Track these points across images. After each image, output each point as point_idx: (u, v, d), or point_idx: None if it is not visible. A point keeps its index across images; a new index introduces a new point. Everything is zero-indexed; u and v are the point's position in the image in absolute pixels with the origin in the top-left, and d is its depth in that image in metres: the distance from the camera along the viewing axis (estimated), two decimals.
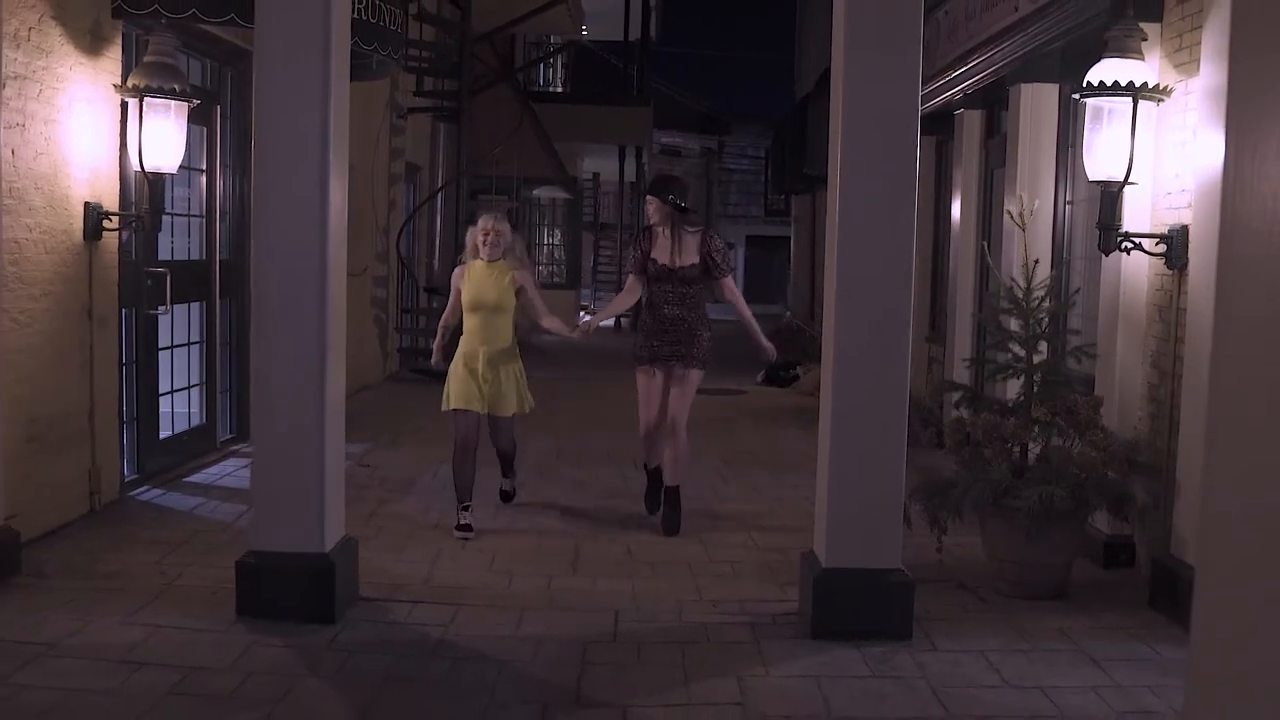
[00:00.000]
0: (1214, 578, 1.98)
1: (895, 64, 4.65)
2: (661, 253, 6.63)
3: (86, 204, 6.24)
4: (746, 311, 6.81)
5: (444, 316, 6.95)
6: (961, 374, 8.38)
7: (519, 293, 6.61)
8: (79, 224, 6.19)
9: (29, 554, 5.45)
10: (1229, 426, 1.93)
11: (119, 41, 6.58)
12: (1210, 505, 2.01)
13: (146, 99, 6.09)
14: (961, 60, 8.97)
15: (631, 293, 6.89)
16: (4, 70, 5.31)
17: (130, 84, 6.17)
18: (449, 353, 6.82)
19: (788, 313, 22.30)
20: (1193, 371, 5.11)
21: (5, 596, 4.98)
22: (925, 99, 9.99)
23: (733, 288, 6.84)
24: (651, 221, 6.75)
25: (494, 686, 4.20)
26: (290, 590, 4.81)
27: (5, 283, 5.40)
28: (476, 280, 6.57)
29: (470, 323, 6.58)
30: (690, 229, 6.69)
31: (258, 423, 4.91)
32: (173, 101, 6.21)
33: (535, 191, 21.16)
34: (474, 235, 6.68)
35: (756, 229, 35.40)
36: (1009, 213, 6.46)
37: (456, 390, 6.50)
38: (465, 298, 6.59)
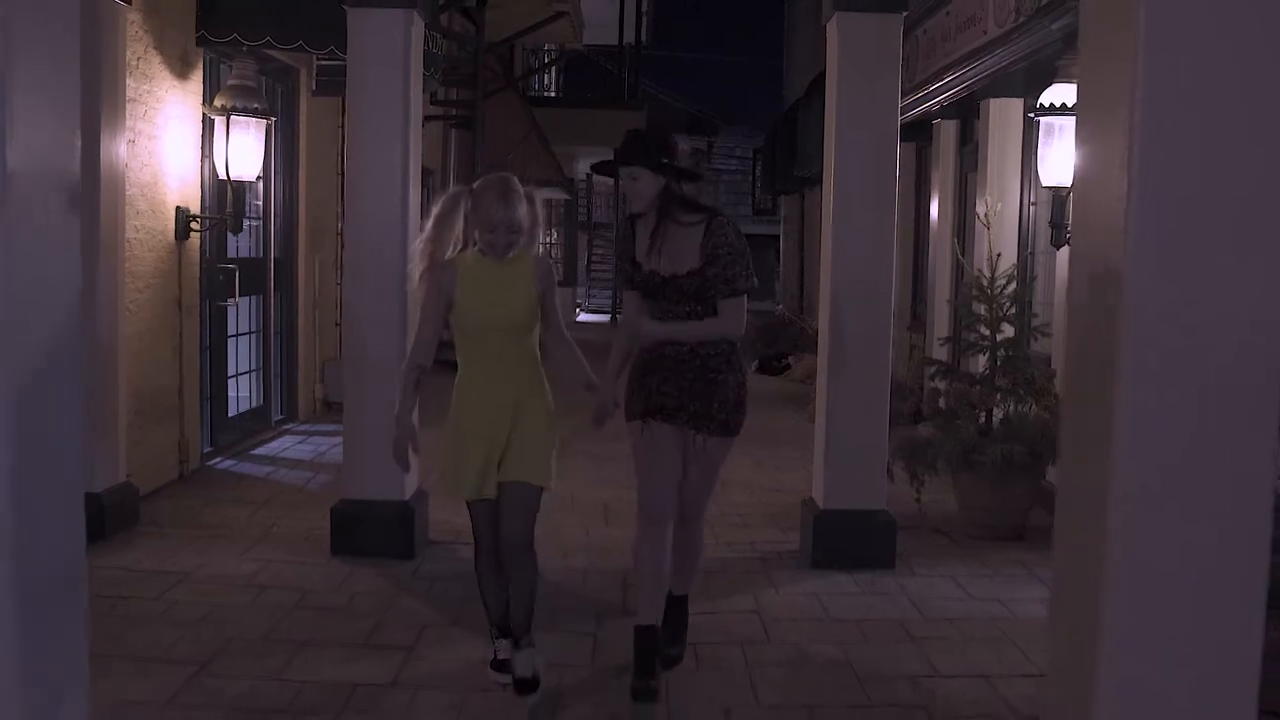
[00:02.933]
0: (1068, 514, 2.83)
1: (875, 100, 5.64)
2: (645, 254, 4.23)
3: (177, 208, 7.18)
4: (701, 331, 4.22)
5: (411, 357, 4.23)
6: (939, 355, 9.38)
7: (541, 300, 4.14)
8: (171, 226, 7.13)
9: (143, 508, 6.41)
10: (1073, 401, 2.78)
11: (201, 66, 7.52)
12: (1065, 462, 2.82)
13: (232, 116, 7.04)
14: (938, 75, 9.95)
15: (631, 321, 4.37)
16: (124, 95, 6.26)
17: (217, 103, 7.12)
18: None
19: (779, 306, 23.26)
20: None
21: (135, 540, 5.93)
22: (907, 109, 11.03)
23: (737, 317, 4.19)
24: (634, 209, 4.28)
25: (554, 603, 5.16)
26: (377, 531, 5.76)
27: (122, 278, 6.34)
28: (482, 286, 4.07)
29: (478, 357, 4.11)
30: (687, 217, 4.18)
31: (350, 394, 5.86)
32: (252, 119, 7.16)
33: (538, 192, 22.09)
34: (472, 214, 4.10)
35: (745, 227, 35.96)
36: (977, 213, 7.46)
37: (463, 469, 4.08)
38: (466, 316, 4.08)
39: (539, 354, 4.18)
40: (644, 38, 26.70)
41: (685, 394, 4.20)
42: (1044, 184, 6.62)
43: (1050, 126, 6.44)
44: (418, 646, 4.61)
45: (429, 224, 4.14)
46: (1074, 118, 6.28)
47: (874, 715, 4.05)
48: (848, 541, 5.76)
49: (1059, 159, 6.38)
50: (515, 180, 4.09)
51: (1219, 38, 2.26)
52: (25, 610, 2.15)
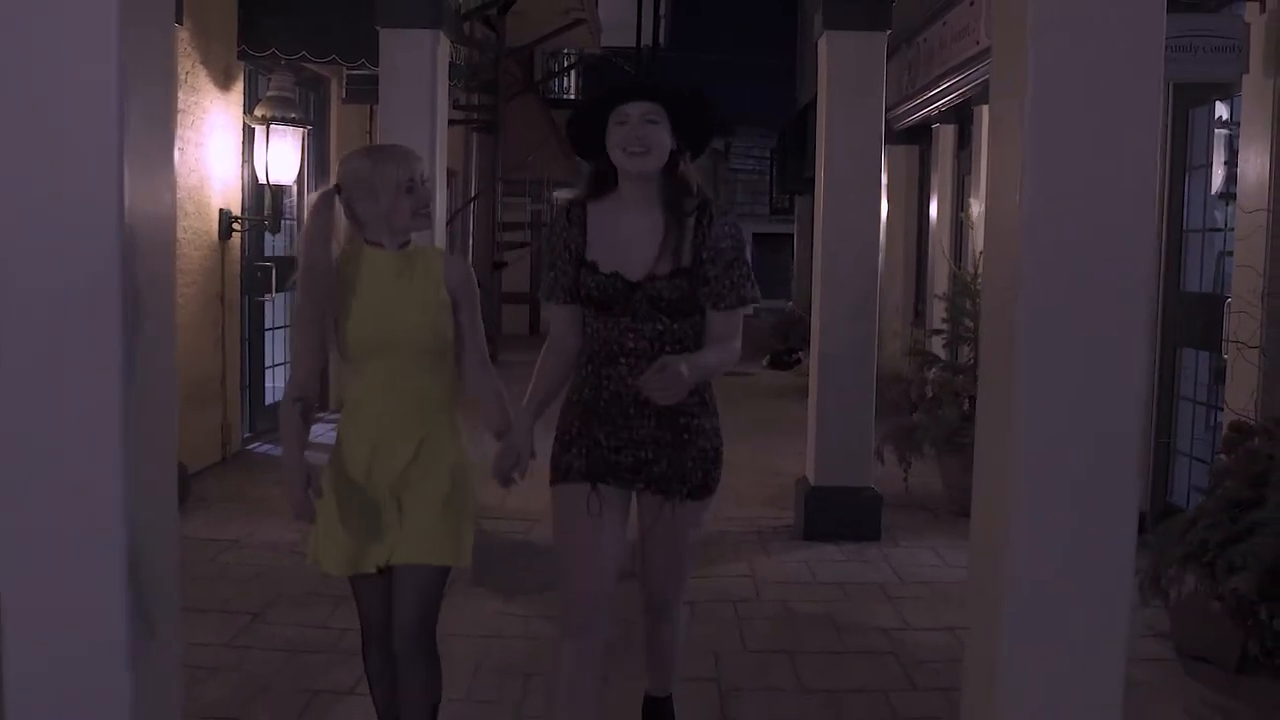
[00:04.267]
0: (982, 485, 3.36)
1: (862, 111, 6.17)
2: (604, 250, 3.08)
3: (220, 210, 7.76)
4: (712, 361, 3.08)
5: (288, 387, 3.15)
6: (936, 348, 9.90)
7: (455, 310, 3.13)
8: (215, 226, 7.71)
9: (191, 485, 6.98)
10: (986, 385, 3.27)
11: (242, 78, 8.09)
12: (980, 435, 3.34)
13: (271, 126, 7.62)
14: (937, 82, 10.46)
15: (559, 352, 3.20)
16: (175, 107, 6.83)
17: (258, 113, 7.70)
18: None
19: (790, 304, 23.78)
20: None
21: (188, 513, 6.51)
22: (908, 114, 11.59)
23: (737, 337, 3.13)
24: (636, 167, 2.99)
25: None
26: None
27: (175, 275, 6.91)
28: (367, 290, 3.05)
29: (363, 389, 3.11)
30: (685, 202, 3.06)
31: None
32: (289, 128, 7.73)
33: (555, 193, 22.69)
34: (354, 187, 3.04)
35: (763, 227, 36.88)
36: (962, 214, 7.98)
37: (333, 536, 3.12)
38: (345, 331, 3.05)
39: (452, 386, 3.14)
40: (661, 40, 27.25)
41: (648, 448, 3.06)
42: None
43: None
44: (445, 600, 5.16)
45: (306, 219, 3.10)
46: None
47: (848, 659, 4.57)
48: (837, 515, 6.28)
49: None
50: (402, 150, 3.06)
51: (1085, 81, 2.78)
52: (132, 562, 2.69)
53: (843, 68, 6.13)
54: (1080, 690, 2.84)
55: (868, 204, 6.21)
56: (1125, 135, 2.68)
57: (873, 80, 6.12)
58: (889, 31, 6.16)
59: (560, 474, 3.18)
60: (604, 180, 3.10)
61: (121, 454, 2.59)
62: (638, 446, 3.08)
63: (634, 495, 3.17)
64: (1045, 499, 2.85)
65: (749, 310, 3.08)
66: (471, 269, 3.19)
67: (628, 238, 3.03)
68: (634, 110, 2.96)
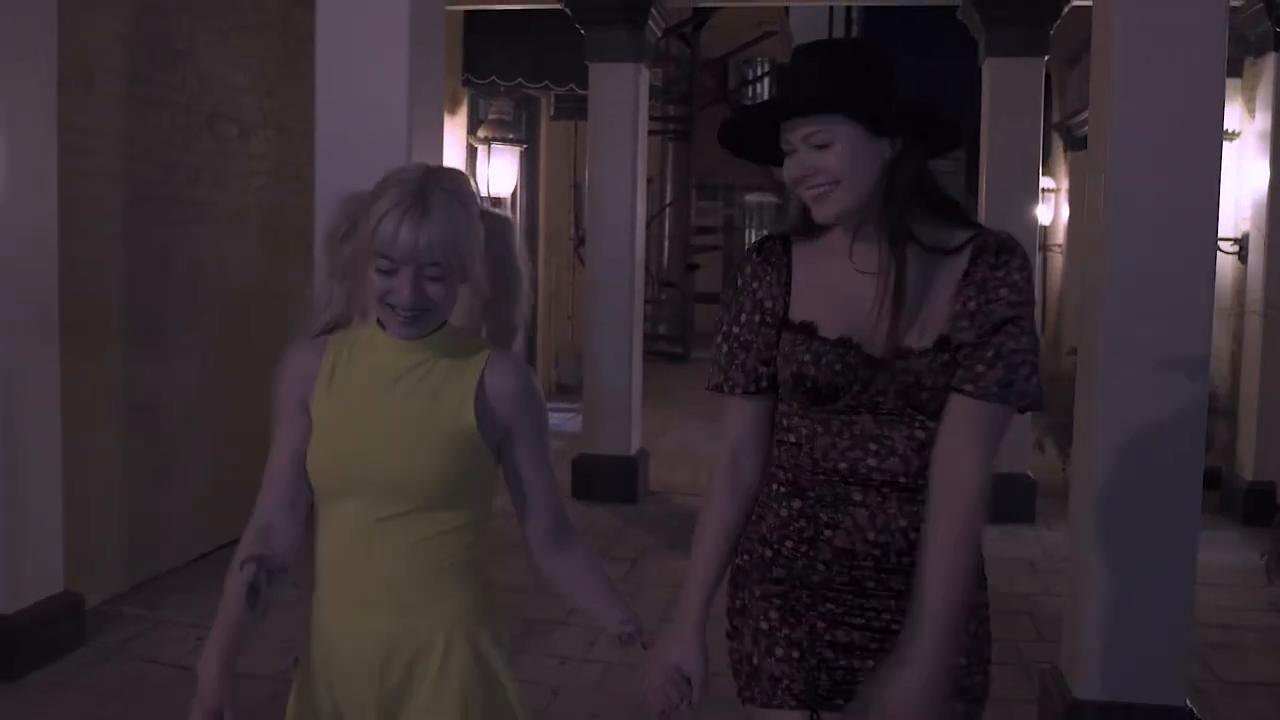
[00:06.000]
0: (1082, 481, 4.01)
1: (1020, 132, 6.77)
2: (827, 305, 1.91)
3: None
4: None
5: (251, 522, 1.94)
6: None
7: (502, 450, 1.94)
8: None
9: None
10: (1106, 384, 3.95)
11: (465, 102, 9.15)
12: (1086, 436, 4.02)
13: (492, 144, 8.65)
14: None
15: (741, 488, 2.02)
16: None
17: (481, 134, 8.75)
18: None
19: None
20: (1250, 342, 7.02)
21: None
22: (1081, 124, 11.89)
23: (976, 442, 1.82)
24: (820, 214, 1.88)
25: None
26: (608, 480, 7.21)
27: None
28: (361, 387, 1.91)
29: (341, 551, 1.93)
30: (938, 233, 1.88)
31: (589, 371, 7.34)
32: (507, 146, 8.75)
33: (747, 197, 23.48)
34: (359, 241, 1.86)
35: None
36: None
37: None
38: (315, 447, 1.91)
39: (482, 556, 1.99)
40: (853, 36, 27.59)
41: (886, 642, 1.89)
42: None
43: None
44: (640, 560, 6.02)
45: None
46: None
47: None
48: (994, 499, 6.87)
49: None
50: (448, 175, 1.87)
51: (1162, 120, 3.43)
52: None
53: (1003, 92, 6.74)
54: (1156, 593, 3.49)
55: (1026, 225, 6.78)
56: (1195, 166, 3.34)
57: (1031, 103, 6.71)
58: (1046, 57, 6.72)
59: (754, 689, 1.98)
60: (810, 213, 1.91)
61: None
62: (881, 637, 1.90)
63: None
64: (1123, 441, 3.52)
65: (1014, 410, 1.81)
66: (532, 376, 1.94)
67: (858, 290, 1.86)
68: (796, 134, 1.85)
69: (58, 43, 4.28)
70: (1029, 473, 6.96)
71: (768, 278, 1.96)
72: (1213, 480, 7.80)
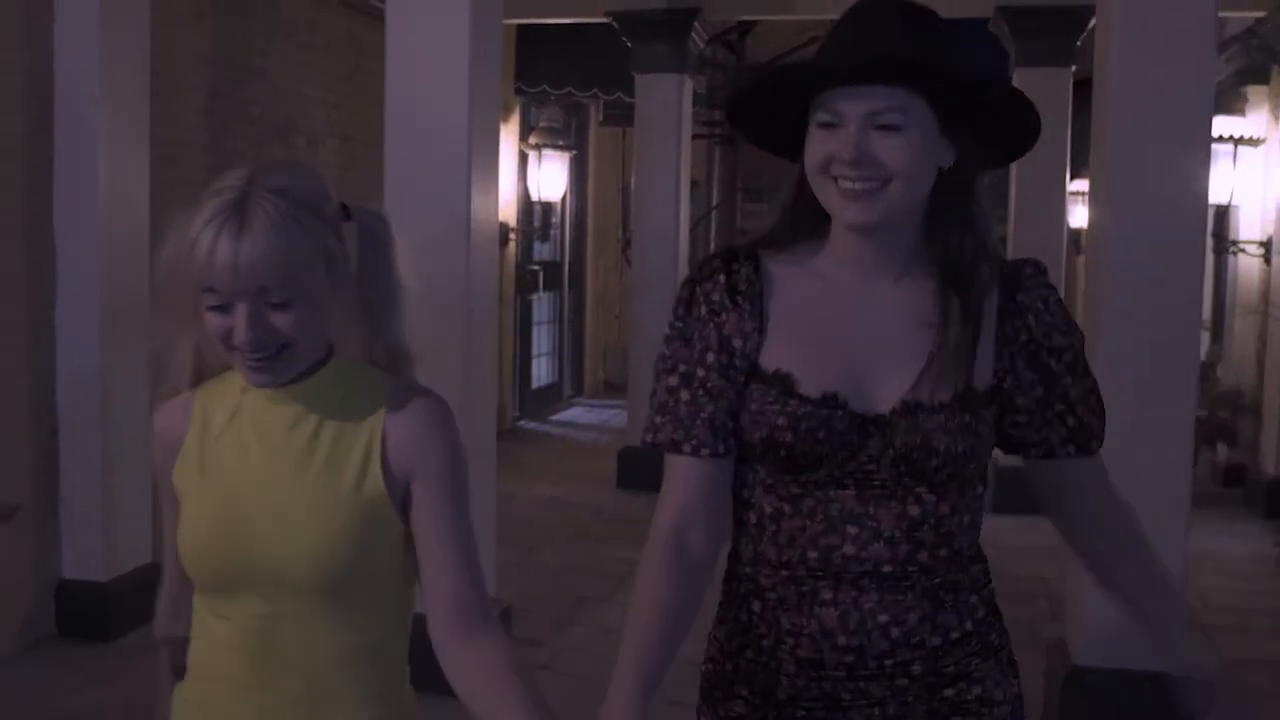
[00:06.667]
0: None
1: (1048, 142, 7.04)
2: (811, 349, 1.52)
3: (500, 222, 9.23)
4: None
5: (163, 599, 1.65)
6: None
7: (410, 513, 1.49)
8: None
9: None
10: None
11: (517, 109, 9.55)
12: None
13: (544, 151, 9.04)
14: None
15: (687, 568, 1.54)
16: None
17: (531, 141, 9.14)
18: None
19: None
20: (1275, 343, 7.27)
21: None
22: None
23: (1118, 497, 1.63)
24: (852, 218, 1.48)
25: None
26: (649, 471, 7.51)
27: None
28: (235, 456, 1.51)
29: (210, 635, 1.52)
30: (962, 262, 1.51)
31: (634, 368, 7.70)
32: (557, 153, 9.14)
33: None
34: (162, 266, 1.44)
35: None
36: None
37: None
38: (184, 531, 1.51)
39: (400, 654, 1.58)
40: None
41: None
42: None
43: (1214, 153, 7.64)
44: None
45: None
46: (1230, 145, 7.52)
47: (1004, 600, 5.53)
48: (1016, 490, 7.15)
49: (1219, 181, 7.57)
50: (280, 172, 1.43)
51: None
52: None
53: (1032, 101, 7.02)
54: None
55: (1054, 234, 7.05)
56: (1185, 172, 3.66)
57: (1059, 112, 6.97)
58: (1074, 67, 6.99)
59: None
60: (800, 219, 1.57)
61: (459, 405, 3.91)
62: None
63: None
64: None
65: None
66: (444, 412, 1.53)
67: (854, 328, 1.54)
68: (855, 106, 1.45)
69: (150, 65, 4.71)
70: None
71: (736, 308, 1.54)
72: (1238, 476, 8.06)
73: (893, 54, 1.43)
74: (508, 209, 9.41)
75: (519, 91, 9.42)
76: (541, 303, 10.67)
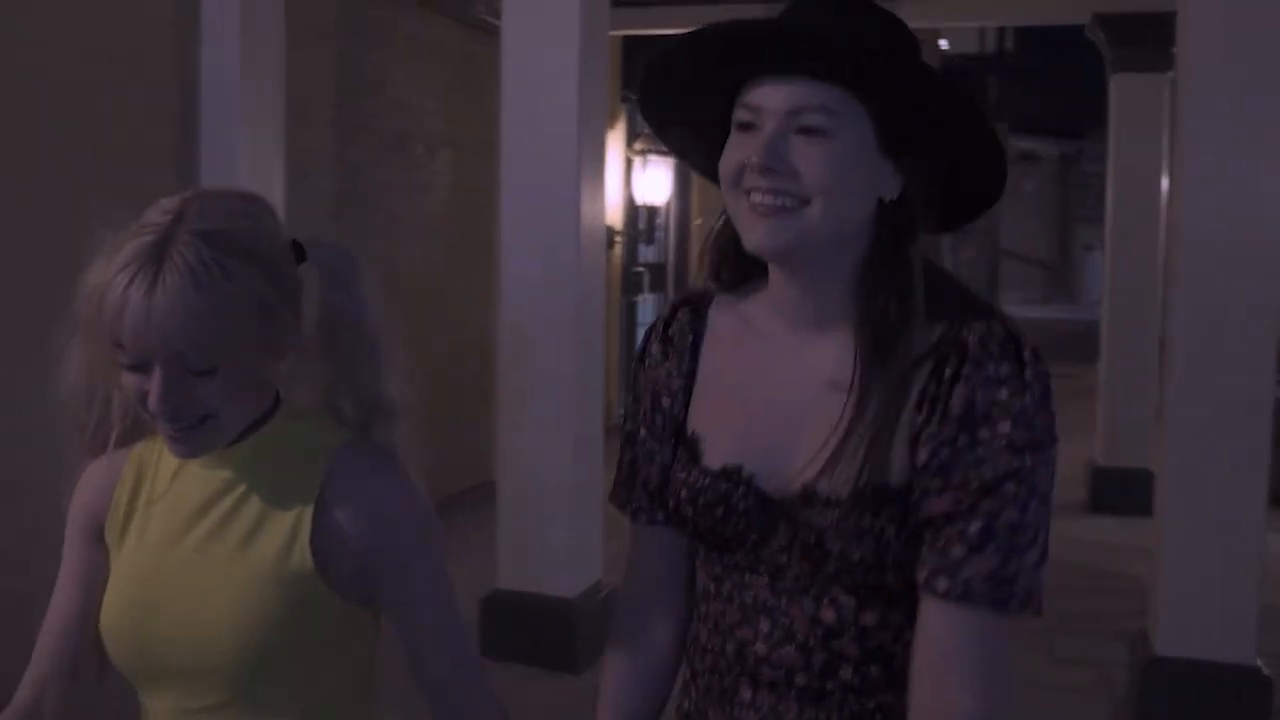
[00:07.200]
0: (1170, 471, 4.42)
1: (1145, 144, 7.14)
2: (724, 411, 1.32)
3: (606, 226, 9.55)
4: None
5: (25, 684, 1.35)
6: None
7: (373, 596, 1.33)
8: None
9: None
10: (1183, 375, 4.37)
11: (623, 117, 9.85)
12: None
13: (648, 157, 9.33)
14: None
15: (644, 647, 1.42)
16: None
17: (637, 147, 9.43)
18: None
19: None
20: None
21: None
22: None
23: (967, 663, 1.13)
24: (761, 244, 1.22)
25: None
26: None
27: None
28: (154, 530, 1.33)
29: None
30: (889, 323, 1.19)
31: None
32: (662, 158, 9.41)
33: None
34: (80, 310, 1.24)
35: None
36: None
37: None
38: (104, 616, 1.32)
39: None
40: (1009, 44, 27.32)
41: None
42: None
43: None
44: None
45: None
46: None
47: (1097, 596, 5.66)
48: (1114, 492, 7.26)
49: None
50: (211, 208, 1.21)
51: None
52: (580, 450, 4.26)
53: (1128, 107, 7.12)
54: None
55: (1150, 234, 7.11)
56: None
57: (1155, 118, 7.07)
58: (1170, 73, 7.05)
59: None
60: (742, 254, 1.29)
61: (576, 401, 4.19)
62: None
63: None
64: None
65: (1007, 617, 1.15)
66: (399, 478, 1.34)
67: (778, 388, 1.29)
68: (775, 100, 1.20)
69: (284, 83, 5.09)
70: (1149, 467, 7.29)
71: (666, 362, 1.38)
72: None
73: (813, 30, 1.16)
74: (613, 213, 9.72)
75: (624, 99, 9.72)
76: (646, 304, 10.96)
